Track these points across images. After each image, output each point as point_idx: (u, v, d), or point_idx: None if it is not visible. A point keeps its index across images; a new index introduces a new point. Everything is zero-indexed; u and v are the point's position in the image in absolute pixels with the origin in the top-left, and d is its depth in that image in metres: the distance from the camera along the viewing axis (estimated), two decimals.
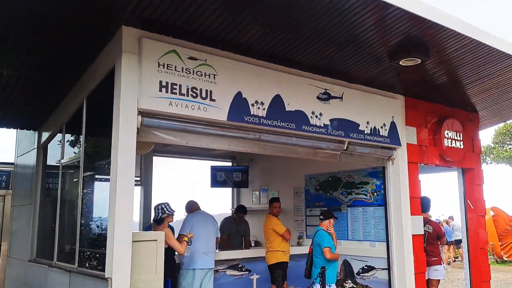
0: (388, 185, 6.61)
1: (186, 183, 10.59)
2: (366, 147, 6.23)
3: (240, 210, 8.05)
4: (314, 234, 6.07)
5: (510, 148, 25.64)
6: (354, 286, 6.96)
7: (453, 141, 7.15)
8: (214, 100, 4.71)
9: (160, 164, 8.84)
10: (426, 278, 6.55)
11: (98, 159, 5.58)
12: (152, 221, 5.97)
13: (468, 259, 7.45)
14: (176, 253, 5.74)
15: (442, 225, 16.16)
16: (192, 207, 6.38)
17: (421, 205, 6.65)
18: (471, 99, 7.36)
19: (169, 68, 4.44)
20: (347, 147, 5.95)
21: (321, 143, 5.78)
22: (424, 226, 6.63)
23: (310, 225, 7.92)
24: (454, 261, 15.76)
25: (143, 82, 4.30)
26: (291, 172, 8.46)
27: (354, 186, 7.26)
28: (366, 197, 7.06)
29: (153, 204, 7.14)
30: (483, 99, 7.31)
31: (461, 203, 7.70)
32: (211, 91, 4.70)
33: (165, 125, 4.55)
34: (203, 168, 9.69)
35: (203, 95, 4.64)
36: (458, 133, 7.24)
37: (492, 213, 14.45)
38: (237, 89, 4.93)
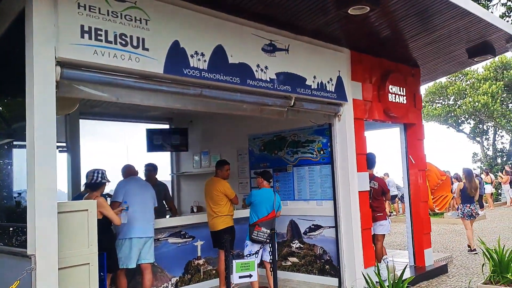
0: (335, 142, 6.43)
1: (119, 148, 9.84)
2: (313, 103, 5.95)
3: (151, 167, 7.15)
4: (274, 196, 5.80)
5: (439, 107, 26.96)
6: (301, 245, 6.84)
7: (397, 96, 7.08)
8: (147, 50, 4.13)
9: (89, 128, 8.06)
10: (372, 233, 6.54)
11: (14, 122, 4.82)
12: (83, 189, 5.37)
13: (410, 213, 7.58)
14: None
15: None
16: (128, 172, 5.83)
17: (367, 162, 6.56)
18: (413, 54, 7.29)
19: (91, 10, 3.78)
20: (294, 103, 5.62)
21: (267, 99, 5.40)
22: (370, 182, 6.57)
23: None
24: (390, 215, 16.46)
25: (61, 26, 3.62)
26: (233, 133, 8.07)
27: (300, 145, 7.02)
28: (312, 155, 6.85)
29: (83, 173, 6.50)
30: (425, 53, 7.27)
31: (402, 159, 7.76)
32: (143, 39, 4.11)
33: (90, 77, 3.92)
34: (137, 131, 9.02)
35: (134, 44, 4.04)
36: (401, 88, 7.17)
37: None
38: (173, 38, 4.37)
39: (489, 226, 13.15)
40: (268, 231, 5.58)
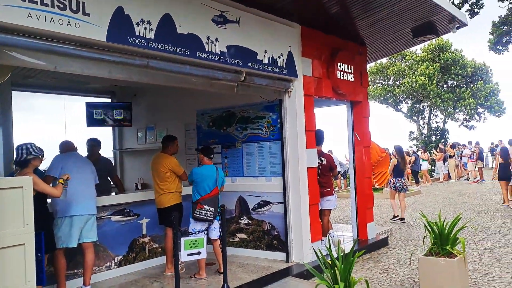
0: (285, 119, 6.40)
1: (57, 123, 9.24)
2: (264, 79, 5.85)
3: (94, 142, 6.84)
4: (217, 172, 5.67)
5: (379, 87, 27.90)
6: (250, 221, 6.83)
7: (345, 74, 7.14)
8: (88, 15, 3.81)
9: (23, 101, 7.47)
10: (319, 208, 6.65)
11: None
12: (14, 166, 4.96)
13: (355, 188, 7.79)
14: (48, 201, 4.91)
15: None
16: (66, 147, 5.46)
17: (315, 138, 6.60)
18: (361, 32, 7.37)
19: None
20: (245, 78, 5.49)
21: (217, 73, 5.22)
22: (318, 158, 6.64)
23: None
24: None
25: None
26: (181, 107, 7.81)
27: (250, 121, 6.93)
28: (262, 132, 6.79)
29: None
30: (371, 31, 7.37)
31: (349, 136, 7.91)
32: (83, 3, 3.78)
33: (24, 43, 3.55)
34: (77, 105, 8.51)
35: (74, 7, 3.71)
36: (349, 66, 7.24)
37: None
38: (117, 3, 4.06)
39: (425, 201, 13.91)
40: (212, 208, 5.46)
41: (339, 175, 16.30)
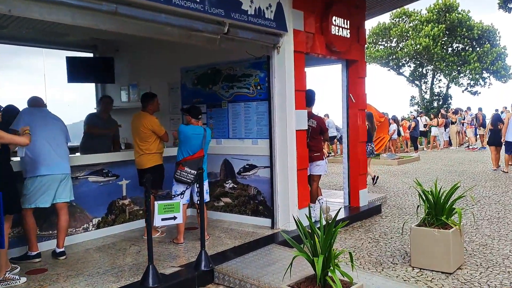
0: (273, 77, 5.94)
1: (36, 77, 8.76)
2: (250, 32, 5.35)
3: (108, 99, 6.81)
4: (204, 133, 5.29)
5: (381, 48, 27.07)
6: (235, 186, 6.50)
7: (340, 29, 6.61)
8: None
9: None
10: (308, 173, 6.30)
11: None
12: None
13: (348, 153, 7.41)
14: (17, 159, 4.59)
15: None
16: (33, 102, 5.05)
17: (306, 99, 6.16)
18: None
19: None
20: (228, 30, 4.99)
21: (197, 24, 4.73)
22: (308, 120, 6.22)
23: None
24: (328, 156, 16.63)
25: None
26: (164, 64, 7.32)
27: (236, 79, 6.46)
28: (248, 91, 6.34)
29: None
30: None
31: (343, 98, 7.45)
32: None
33: None
34: (57, 59, 8.01)
35: None
36: (345, 21, 6.69)
37: None
38: None
39: (422, 168, 13.59)
40: (193, 171, 5.12)
41: (335, 139, 15.91)
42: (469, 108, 20.21)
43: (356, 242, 5.84)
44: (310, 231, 3.80)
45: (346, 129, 7.43)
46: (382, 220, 7.01)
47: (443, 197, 4.80)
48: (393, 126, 16.87)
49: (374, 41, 27.67)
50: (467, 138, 20.40)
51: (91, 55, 8.39)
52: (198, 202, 5.29)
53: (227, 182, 6.59)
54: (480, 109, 20.50)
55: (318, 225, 5.98)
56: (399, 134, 17.92)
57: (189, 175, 5.13)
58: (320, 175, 6.43)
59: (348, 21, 6.76)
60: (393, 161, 14.85)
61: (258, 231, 5.97)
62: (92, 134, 6.73)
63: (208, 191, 5.45)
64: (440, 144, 20.49)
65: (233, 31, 5.06)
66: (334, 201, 7.83)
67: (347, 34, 6.76)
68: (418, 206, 5.27)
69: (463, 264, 4.84)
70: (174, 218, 4.26)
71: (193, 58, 6.89)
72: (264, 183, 6.18)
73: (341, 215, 6.88)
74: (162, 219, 4.20)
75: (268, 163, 6.08)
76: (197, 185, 4.74)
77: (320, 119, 6.43)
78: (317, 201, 6.41)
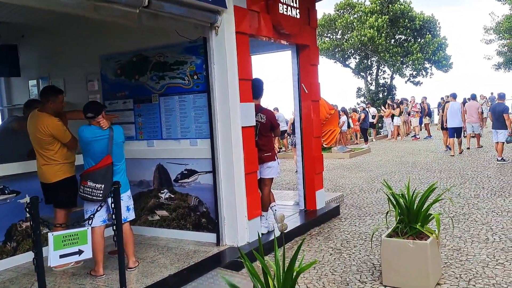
0: (211, 63, 4.93)
1: None
2: (179, 6, 4.29)
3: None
4: (109, 134, 4.17)
5: (327, 40, 26.72)
6: (172, 195, 5.43)
7: (289, 8, 5.70)
8: None
9: None
10: (258, 177, 5.35)
11: None
12: None
13: (302, 150, 6.54)
14: None
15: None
16: None
17: (252, 90, 5.20)
18: None
19: None
20: (149, 2, 3.91)
21: None
22: (256, 115, 5.26)
23: (112, 124, 5.90)
24: (279, 151, 15.84)
25: None
26: (81, 52, 6.07)
27: (168, 67, 5.38)
28: (183, 81, 5.28)
29: None
30: None
31: (294, 87, 6.58)
32: None
33: None
34: None
35: None
36: None
37: None
38: None
39: (374, 160, 13.11)
40: (100, 185, 4.00)
41: (285, 134, 15.12)
42: (424, 98, 20.02)
43: (316, 255, 4.97)
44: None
45: (298, 123, 6.56)
46: (341, 223, 6.21)
47: (417, 201, 4.01)
48: (343, 118, 16.38)
49: (320, 33, 27.24)
50: (412, 128, 20.39)
51: None
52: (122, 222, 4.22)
53: (162, 191, 5.51)
54: (425, 98, 20.55)
55: (272, 237, 5.10)
56: (349, 126, 17.48)
57: (95, 191, 4.00)
58: (272, 179, 5.50)
59: (297, 0, 5.86)
60: (344, 154, 14.30)
61: (201, 249, 4.96)
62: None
63: (130, 207, 4.35)
64: (388, 135, 20.34)
65: (156, 3, 3.98)
66: (288, 204, 6.96)
67: (296, 14, 5.86)
68: (387, 212, 4.48)
69: (441, 279, 4.09)
70: (80, 252, 3.16)
71: (115, 43, 5.72)
72: (206, 191, 5.17)
73: (297, 221, 6.01)
74: (62, 256, 3.09)
75: (211, 167, 5.07)
76: (112, 201, 3.63)
77: (270, 113, 5.49)
78: (269, 208, 5.48)
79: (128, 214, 4.31)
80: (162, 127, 5.51)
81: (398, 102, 20.60)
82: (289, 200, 7.34)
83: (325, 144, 14.68)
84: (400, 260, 3.90)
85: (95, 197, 4.05)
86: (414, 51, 26.04)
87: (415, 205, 3.97)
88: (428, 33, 26.52)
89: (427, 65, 27.50)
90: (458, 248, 4.86)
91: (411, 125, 20.27)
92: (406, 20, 25.74)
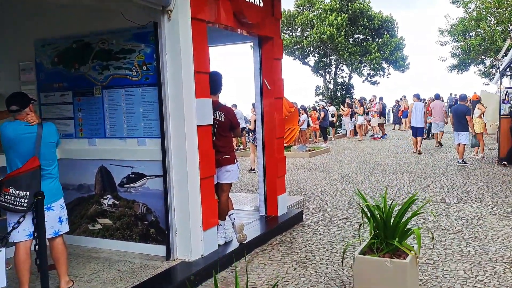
0: (163, 53, 4.31)
1: None
2: None
3: None
4: (38, 132, 3.50)
5: (287, 37, 26.40)
6: (116, 202, 4.77)
7: None
8: None
9: None
10: (215, 182, 4.79)
11: None
12: None
13: (263, 151, 6.03)
14: None
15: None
16: None
17: (210, 84, 4.61)
18: None
19: None
20: None
21: None
22: (214, 113, 4.69)
23: (47, 119, 5.16)
24: (236, 149, 15.31)
25: None
26: (13, 36, 5.27)
27: (113, 56, 4.70)
28: (130, 72, 4.63)
29: None
30: None
31: (256, 83, 6.05)
32: None
33: None
34: None
35: None
36: None
37: None
38: None
39: (335, 160, 12.84)
40: (24, 193, 3.33)
41: (244, 131, 14.60)
42: (381, 98, 19.97)
43: (279, 270, 4.48)
44: None
45: (260, 122, 6.04)
46: (305, 231, 5.76)
47: (394, 214, 3.60)
48: (303, 117, 16.05)
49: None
50: (370, 127, 20.44)
51: None
52: (52, 236, 3.58)
53: (105, 197, 4.84)
54: (381, 99, 20.64)
55: (230, 249, 4.57)
56: (308, 124, 17.19)
57: (19, 200, 3.32)
58: (231, 184, 4.95)
59: None
60: (304, 153, 13.97)
61: (149, 264, 4.36)
62: None
63: (63, 218, 3.68)
64: (347, 134, 20.29)
65: None
66: (246, 209, 6.44)
67: (259, 2, 5.33)
68: (360, 225, 4.06)
69: None
70: None
71: (52, 27, 4.98)
72: (156, 198, 4.55)
73: (257, 230, 5.50)
74: None
75: (161, 170, 4.46)
76: (34, 214, 2.97)
77: (229, 111, 4.92)
78: (227, 217, 4.93)
79: (60, 226, 3.64)
80: (105, 124, 4.83)
81: (358, 101, 20.51)
82: (247, 204, 6.82)
83: (285, 143, 14.27)
84: (375, 280, 3.47)
85: (18, 207, 3.36)
86: (372, 51, 26.17)
87: (392, 218, 3.54)
88: (386, 33, 26.72)
89: (385, 65, 27.76)
90: (432, 261, 4.50)
91: (370, 124, 20.30)
92: (365, 19, 25.81)
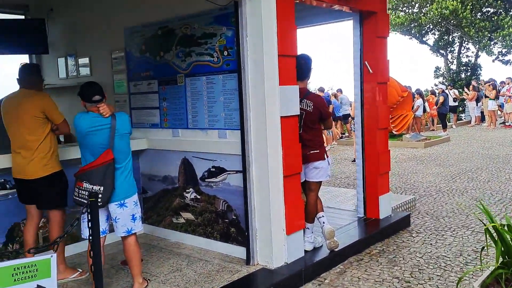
0: (243, 36, 3.87)
1: None
2: None
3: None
4: (111, 124, 3.31)
5: (402, 15, 24.35)
6: (198, 196, 4.51)
7: None
8: None
9: None
10: (302, 180, 4.25)
11: None
12: None
13: (362, 144, 5.31)
14: None
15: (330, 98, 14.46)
16: None
17: (297, 69, 4.06)
18: None
19: None
20: None
21: None
22: (301, 102, 4.13)
23: (136, 108, 5.09)
24: (341, 137, 14.49)
25: None
26: (107, 25, 5.27)
27: (195, 41, 4.39)
28: (212, 59, 4.28)
29: None
30: None
31: (355, 66, 5.32)
32: None
33: None
34: None
35: None
36: None
37: None
38: None
39: (455, 151, 11.36)
40: (100, 188, 3.17)
41: (349, 118, 13.69)
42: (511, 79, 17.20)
43: (376, 287, 3.81)
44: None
45: (360, 110, 5.32)
46: (412, 240, 4.94)
47: None
48: (418, 102, 14.57)
49: (394, 6, 24.86)
50: (501, 114, 17.90)
51: (23, 17, 6.38)
52: (125, 235, 3.43)
53: (188, 190, 4.61)
54: (511, 79, 17.81)
55: (319, 257, 4.04)
56: (424, 110, 15.58)
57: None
58: (320, 182, 4.35)
59: None
60: (418, 143, 12.64)
61: (228, 267, 4.02)
62: None
63: (136, 216, 3.46)
64: (471, 121, 18.08)
65: None
66: (344, 208, 5.79)
67: None
68: (482, 248, 3.20)
69: None
70: None
71: (139, 13, 4.84)
72: (236, 195, 4.18)
73: (353, 235, 4.84)
74: None
75: (241, 165, 4.06)
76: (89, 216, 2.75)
77: (318, 99, 4.30)
78: (316, 219, 4.37)
79: (134, 224, 3.44)
80: (188, 114, 4.57)
81: (490, 84, 17.91)
82: (346, 202, 6.15)
83: (395, 131, 13.09)
84: None
85: (87, 201, 3.22)
86: (505, 26, 22.87)
87: None
88: None
89: None
90: None
91: (501, 110, 17.77)
92: None
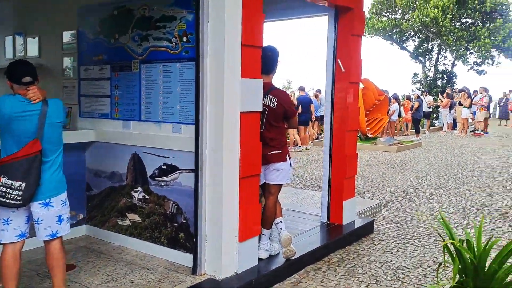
0: (204, 20, 3.50)
1: None
2: None
3: None
4: (43, 109, 2.89)
5: (385, 20, 24.36)
6: (147, 196, 4.12)
7: None
8: None
9: None
10: (261, 182, 3.91)
11: None
12: None
13: (330, 146, 5.02)
14: None
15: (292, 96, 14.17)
16: None
17: (262, 62, 3.71)
18: None
19: None
20: None
21: None
22: (264, 97, 3.79)
23: (85, 95, 4.65)
24: (317, 138, 14.26)
25: None
26: (55, 2, 4.81)
27: (152, 24, 4.00)
28: (170, 44, 3.89)
29: None
30: None
31: (328, 64, 5.02)
32: None
33: None
34: None
35: None
36: None
37: (361, 85, 12.63)
38: None
39: (426, 156, 11.28)
40: (19, 183, 2.74)
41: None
42: (486, 89, 17.30)
43: None
44: None
45: (329, 110, 5.04)
46: (374, 248, 4.70)
47: (488, 258, 2.45)
48: (394, 106, 14.47)
49: (377, 11, 24.83)
50: (473, 122, 18.03)
51: None
52: (48, 238, 3.01)
53: (136, 189, 4.21)
54: (486, 90, 17.94)
55: (274, 266, 3.73)
56: (399, 115, 15.52)
57: (11, 192, 2.74)
58: (280, 186, 4.03)
59: None
60: (391, 147, 12.52)
61: (170, 277, 3.65)
62: None
63: (63, 217, 3.04)
64: (444, 127, 18.16)
65: None
66: (308, 212, 5.50)
67: None
68: (439, 264, 2.95)
69: None
70: None
71: None
72: (188, 197, 3.81)
73: (313, 242, 4.54)
74: None
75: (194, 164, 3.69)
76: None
77: (283, 96, 3.97)
78: (274, 225, 4.04)
79: (59, 227, 3.01)
80: (141, 104, 4.17)
81: (465, 92, 17.94)
82: (312, 206, 5.86)
83: (370, 134, 12.95)
84: None
85: (9, 200, 2.79)
86: (482, 36, 23.12)
87: (487, 264, 2.41)
88: (499, 17, 23.44)
89: (495, 53, 24.49)
90: None
91: (472, 119, 17.90)
92: (476, 1, 22.79)
